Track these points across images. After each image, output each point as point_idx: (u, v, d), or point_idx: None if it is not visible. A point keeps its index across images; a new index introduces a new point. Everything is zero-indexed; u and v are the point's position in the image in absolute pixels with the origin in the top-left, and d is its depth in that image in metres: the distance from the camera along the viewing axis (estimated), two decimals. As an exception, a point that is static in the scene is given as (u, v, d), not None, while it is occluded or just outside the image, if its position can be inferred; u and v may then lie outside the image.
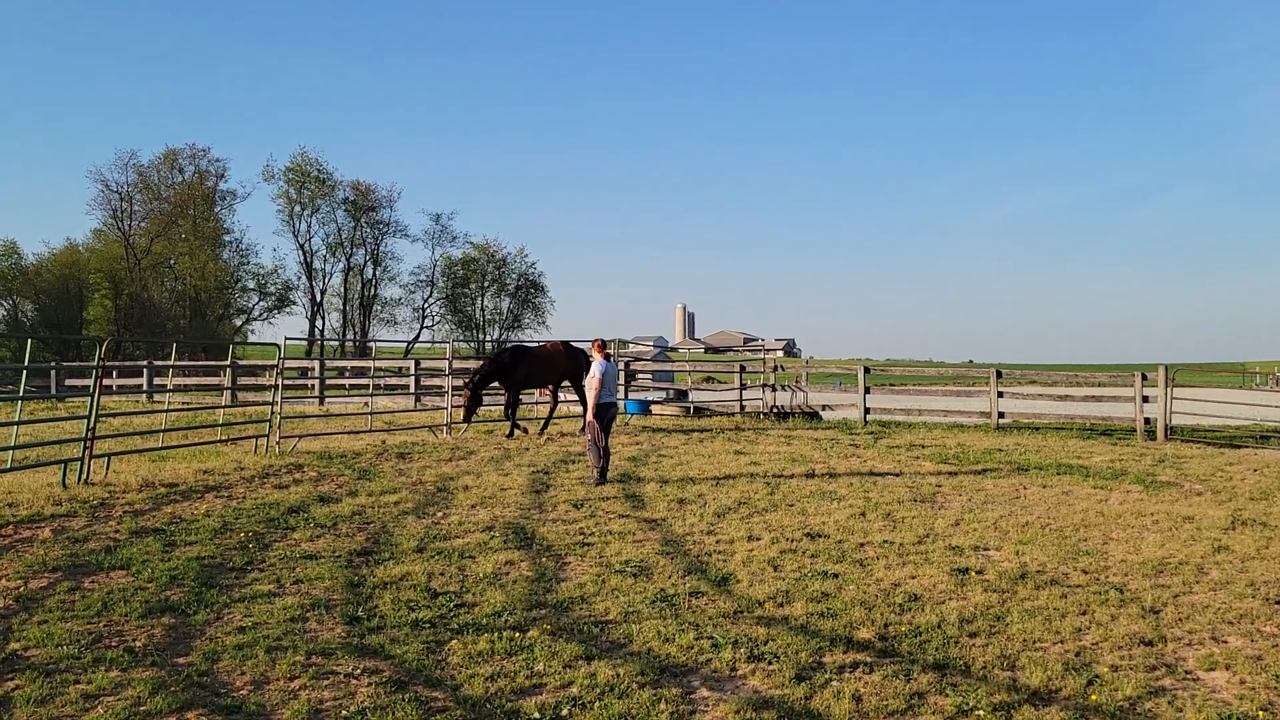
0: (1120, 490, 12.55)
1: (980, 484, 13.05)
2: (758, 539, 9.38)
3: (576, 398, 20.11)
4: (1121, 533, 9.82)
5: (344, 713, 5.12)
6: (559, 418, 21.66)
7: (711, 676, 5.73)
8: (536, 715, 5.10)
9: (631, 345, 36.61)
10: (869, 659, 5.99)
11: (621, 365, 25.46)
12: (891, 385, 49.60)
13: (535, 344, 20.23)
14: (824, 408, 25.45)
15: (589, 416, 13.08)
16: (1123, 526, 10.14)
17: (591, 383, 13.16)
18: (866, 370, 24.15)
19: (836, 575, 8.01)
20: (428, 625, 6.60)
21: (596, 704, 5.23)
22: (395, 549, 8.88)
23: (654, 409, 25.98)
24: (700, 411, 25.85)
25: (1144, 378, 20.87)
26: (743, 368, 26.44)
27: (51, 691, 5.35)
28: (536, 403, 23.37)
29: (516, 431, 18.51)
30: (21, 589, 7.41)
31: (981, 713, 5.16)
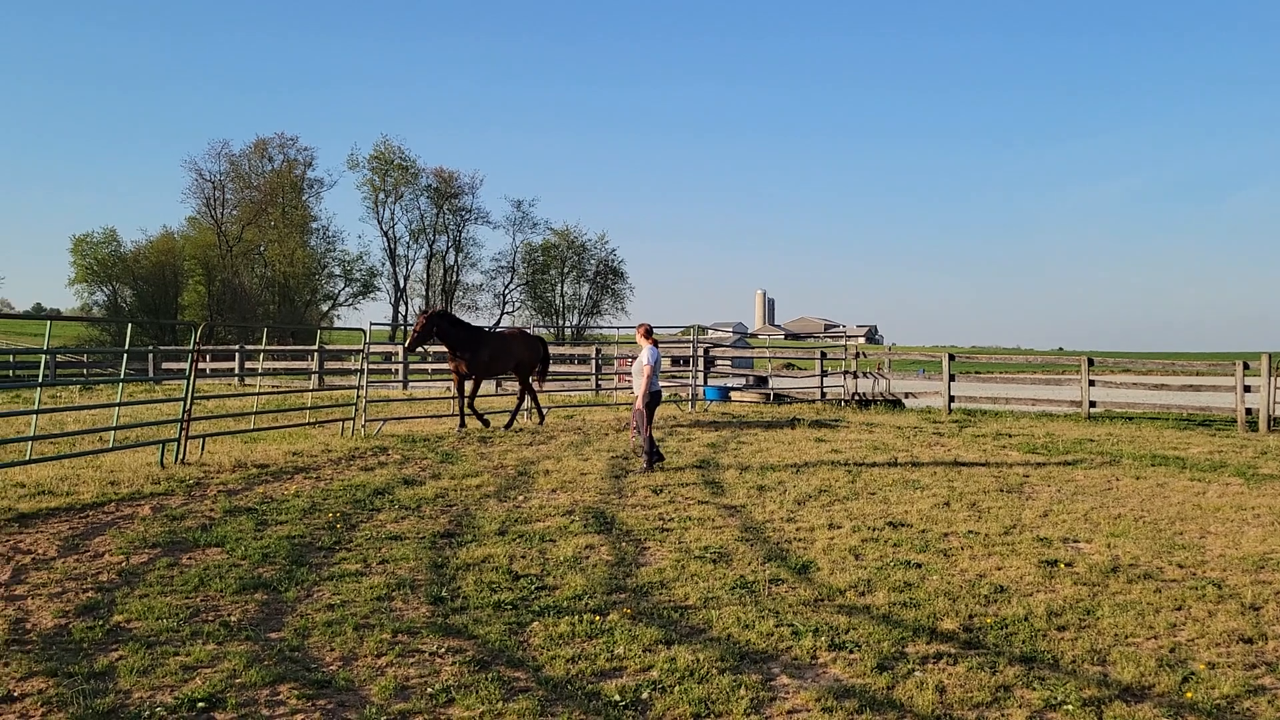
0: (1219, 483, 12.10)
1: (1070, 474, 12.71)
2: (839, 527, 9.28)
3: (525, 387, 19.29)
4: (1220, 526, 9.47)
5: (429, 690, 5.22)
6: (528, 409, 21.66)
7: (791, 664, 5.69)
8: (617, 697, 5.13)
9: (710, 331, 36.56)
10: (953, 650, 5.88)
11: (700, 352, 25.44)
12: (977, 373, 48.62)
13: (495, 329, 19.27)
14: (907, 395, 25.06)
15: (639, 404, 13.00)
16: (1221, 520, 9.77)
17: (644, 370, 12.99)
18: (951, 357, 23.70)
19: (919, 565, 7.89)
20: (509, 607, 6.68)
21: (676, 688, 5.24)
22: (477, 531, 9.01)
23: (733, 395, 25.90)
24: (780, 399, 25.68)
25: (1246, 366, 20.08)
26: (824, 354, 26.17)
27: (153, 662, 5.56)
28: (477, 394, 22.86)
29: (470, 423, 17.11)
30: (124, 564, 7.71)
31: (1070, 707, 5.03)
